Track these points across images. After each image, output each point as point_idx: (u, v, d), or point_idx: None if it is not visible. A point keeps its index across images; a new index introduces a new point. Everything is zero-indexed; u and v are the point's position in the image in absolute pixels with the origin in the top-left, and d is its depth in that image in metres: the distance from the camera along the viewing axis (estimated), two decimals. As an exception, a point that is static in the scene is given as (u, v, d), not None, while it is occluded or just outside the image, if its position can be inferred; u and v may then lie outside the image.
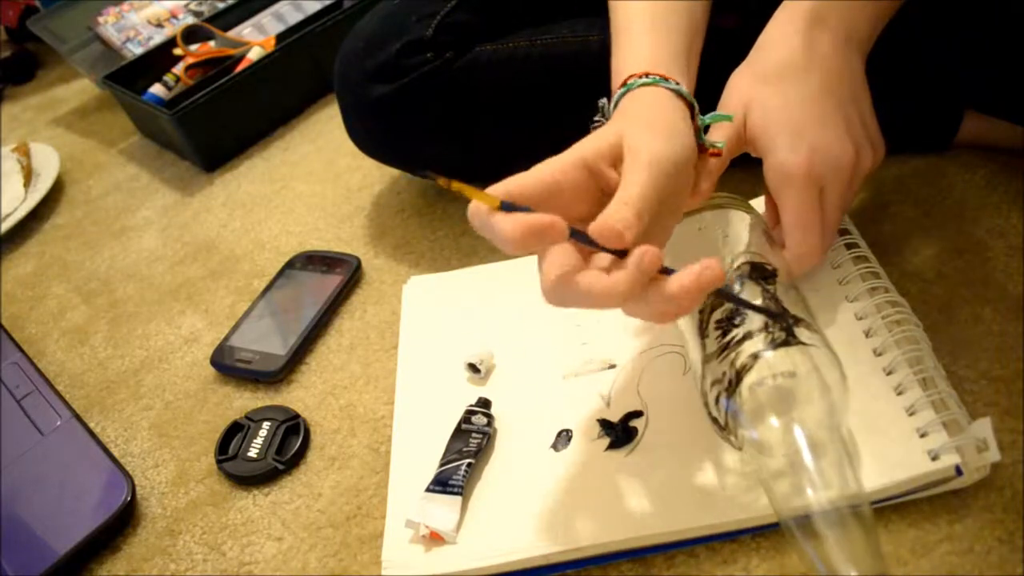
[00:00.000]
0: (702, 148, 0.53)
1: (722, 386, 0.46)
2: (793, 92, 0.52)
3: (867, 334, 0.54)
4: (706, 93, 0.56)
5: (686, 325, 0.52)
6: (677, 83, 0.51)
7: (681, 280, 0.41)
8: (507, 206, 0.41)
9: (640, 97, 0.51)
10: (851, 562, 0.39)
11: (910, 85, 0.67)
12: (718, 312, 0.49)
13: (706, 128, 0.53)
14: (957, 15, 0.62)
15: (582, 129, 0.59)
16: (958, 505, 0.47)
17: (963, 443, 0.46)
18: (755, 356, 0.45)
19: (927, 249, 0.63)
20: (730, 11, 0.64)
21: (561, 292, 0.42)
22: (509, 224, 0.40)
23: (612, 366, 0.59)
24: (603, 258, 0.43)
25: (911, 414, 0.49)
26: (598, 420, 0.55)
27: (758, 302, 0.48)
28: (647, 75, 0.51)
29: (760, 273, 0.50)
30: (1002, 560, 0.45)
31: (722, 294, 0.48)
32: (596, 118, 0.56)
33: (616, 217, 0.42)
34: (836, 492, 0.41)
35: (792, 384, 0.45)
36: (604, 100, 0.55)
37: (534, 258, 0.65)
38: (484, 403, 0.58)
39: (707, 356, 0.48)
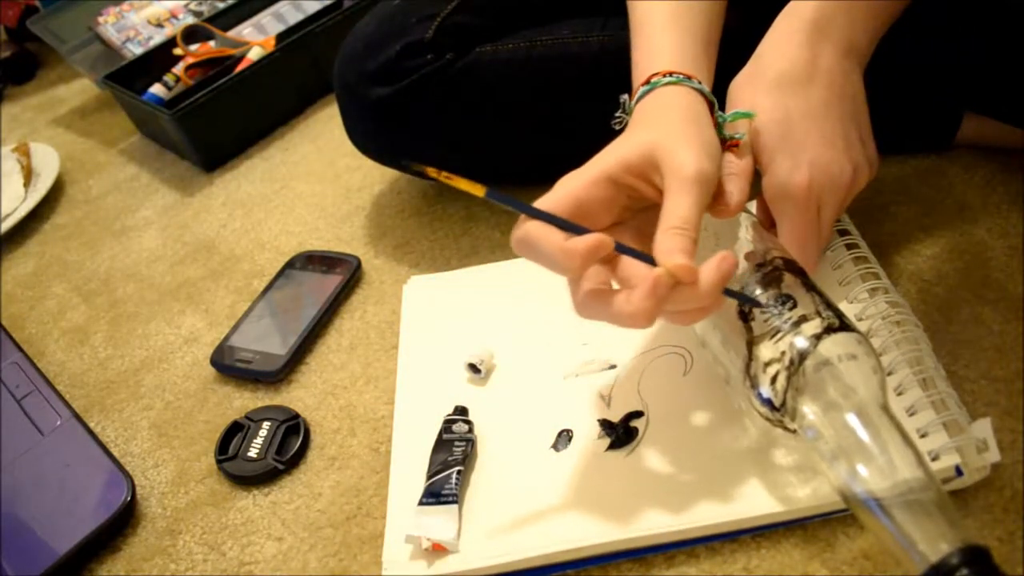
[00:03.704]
0: (723, 143, 0.52)
1: (782, 365, 0.46)
2: (794, 105, 0.52)
3: (868, 334, 0.54)
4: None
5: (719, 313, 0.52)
6: (700, 82, 0.51)
7: (706, 278, 0.43)
8: (492, 194, 0.43)
9: (664, 97, 0.51)
10: (940, 539, 0.38)
11: (910, 85, 0.67)
12: (761, 298, 0.49)
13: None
14: (957, 17, 0.62)
15: (582, 129, 0.59)
16: (958, 505, 0.47)
17: (963, 443, 0.46)
18: (817, 337, 0.45)
19: (927, 249, 0.63)
20: (731, 10, 0.64)
21: (591, 307, 0.45)
22: (567, 250, 0.43)
23: (612, 366, 0.59)
24: (630, 265, 0.44)
25: (911, 414, 0.49)
26: (598, 420, 0.55)
27: (803, 293, 0.49)
28: (671, 73, 0.51)
29: (794, 266, 0.51)
30: (1002, 560, 0.45)
31: (807, 283, 0.50)
32: (617, 114, 0.55)
33: (679, 248, 0.43)
34: (910, 471, 0.41)
35: (853, 366, 0.45)
36: (625, 96, 0.54)
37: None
38: (461, 411, 0.59)
39: (756, 338, 0.48)
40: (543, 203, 0.46)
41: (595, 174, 0.47)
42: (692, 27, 0.55)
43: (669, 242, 0.43)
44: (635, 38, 0.57)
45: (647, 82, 0.52)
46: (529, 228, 0.44)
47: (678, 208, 0.45)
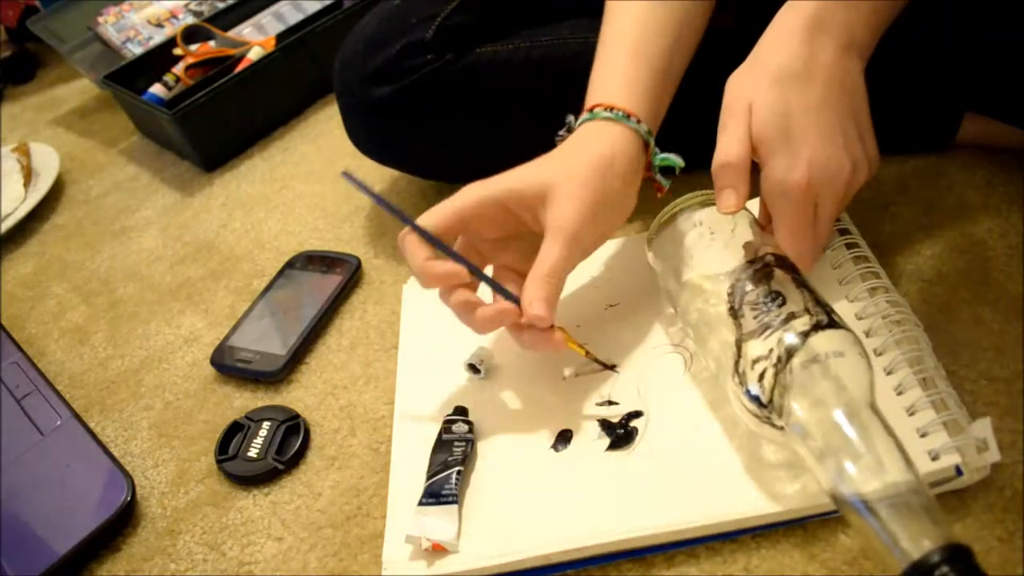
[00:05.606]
0: (652, 181, 0.59)
1: (769, 362, 0.46)
2: (794, 101, 0.51)
3: (867, 334, 0.54)
4: (703, 93, 0.56)
5: (710, 309, 0.52)
6: (638, 120, 0.55)
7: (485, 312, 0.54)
8: (347, 175, 0.55)
9: (593, 132, 0.55)
10: (923, 536, 0.38)
11: (910, 85, 0.67)
12: (751, 294, 0.49)
13: (662, 170, 0.58)
14: (958, 16, 0.62)
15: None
16: (958, 505, 0.47)
17: (963, 443, 0.46)
18: (806, 334, 0.45)
19: (927, 249, 0.63)
20: (727, 10, 0.64)
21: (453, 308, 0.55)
22: (428, 272, 0.53)
23: (612, 366, 0.59)
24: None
25: (911, 414, 0.49)
26: (598, 420, 0.55)
27: (793, 289, 0.49)
28: (612, 108, 0.55)
29: (785, 262, 0.51)
30: (1002, 560, 0.45)
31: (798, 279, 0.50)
32: (560, 132, 0.59)
33: (542, 296, 0.51)
34: (895, 469, 0.41)
35: (841, 363, 0.45)
36: (571, 117, 0.58)
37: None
38: (461, 411, 0.59)
39: (745, 335, 0.48)
40: (434, 212, 0.54)
41: (489, 194, 0.54)
42: (652, 56, 0.58)
43: (535, 290, 0.51)
44: (597, 54, 0.59)
45: (590, 110, 0.56)
46: (405, 238, 0.54)
47: (550, 256, 0.51)
